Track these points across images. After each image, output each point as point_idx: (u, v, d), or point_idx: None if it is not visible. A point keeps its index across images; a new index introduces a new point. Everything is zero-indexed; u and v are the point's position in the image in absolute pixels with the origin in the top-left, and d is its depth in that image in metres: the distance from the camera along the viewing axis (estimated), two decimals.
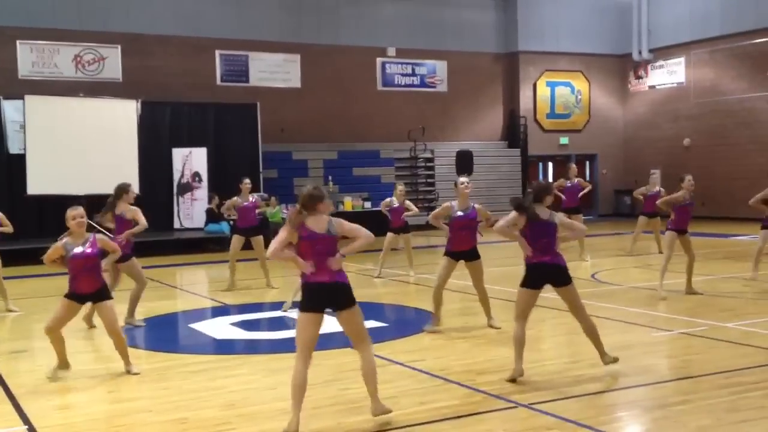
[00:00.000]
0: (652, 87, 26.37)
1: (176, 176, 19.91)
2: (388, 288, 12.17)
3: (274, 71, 22.68)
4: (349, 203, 21.61)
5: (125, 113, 18.99)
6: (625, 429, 5.44)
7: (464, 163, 21.62)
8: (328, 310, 5.33)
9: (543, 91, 26.27)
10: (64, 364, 6.90)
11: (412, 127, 23.41)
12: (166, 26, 21.19)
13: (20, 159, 17.90)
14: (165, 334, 9.24)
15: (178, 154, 19.89)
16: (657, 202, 11.17)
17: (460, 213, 8.33)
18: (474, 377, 6.53)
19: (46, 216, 17.58)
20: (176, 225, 19.76)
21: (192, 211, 19.87)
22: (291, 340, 8.34)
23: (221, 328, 9.23)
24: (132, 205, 9.04)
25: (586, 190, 15.82)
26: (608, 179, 27.14)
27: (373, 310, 9.56)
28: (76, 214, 6.74)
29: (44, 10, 19.82)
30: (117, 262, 8.08)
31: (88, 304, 7.50)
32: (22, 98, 18.01)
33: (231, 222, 15.35)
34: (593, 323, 6.65)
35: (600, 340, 6.65)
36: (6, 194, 17.67)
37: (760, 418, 5.38)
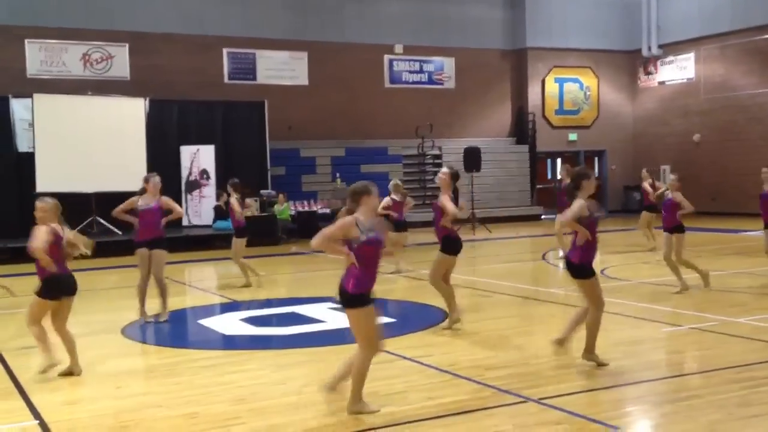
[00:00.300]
0: (661, 83, 26.25)
1: (184, 174, 19.96)
2: (393, 285, 12.14)
3: (282, 69, 22.70)
4: None
5: (133, 111, 19.06)
6: (634, 424, 5.41)
7: (472, 159, 21.55)
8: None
9: (551, 87, 26.19)
10: (74, 362, 6.89)
11: (419, 123, 23.38)
12: (174, 24, 21.24)
13: (29, 157, 17.99)
14: (174, 330, 9.25)
15: (186, 151, 19.95)
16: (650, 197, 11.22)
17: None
18: (482, 372, 6.52)
19: None
20: (185, 222, 19.80)
21: (200, 209, 19.94)
22: (300, 335, 8.39)
23: (230, 323, 9.27)
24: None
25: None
26: (617, 175, 27.05)
27: (380, 306, 9.50)
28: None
29: (52, 9, 19.89)
30: (152, 248, 8.84)
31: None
32: (31, 97, 18.11)
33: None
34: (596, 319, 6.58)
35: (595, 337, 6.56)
36: (15, 192, 17.80)
37: None
